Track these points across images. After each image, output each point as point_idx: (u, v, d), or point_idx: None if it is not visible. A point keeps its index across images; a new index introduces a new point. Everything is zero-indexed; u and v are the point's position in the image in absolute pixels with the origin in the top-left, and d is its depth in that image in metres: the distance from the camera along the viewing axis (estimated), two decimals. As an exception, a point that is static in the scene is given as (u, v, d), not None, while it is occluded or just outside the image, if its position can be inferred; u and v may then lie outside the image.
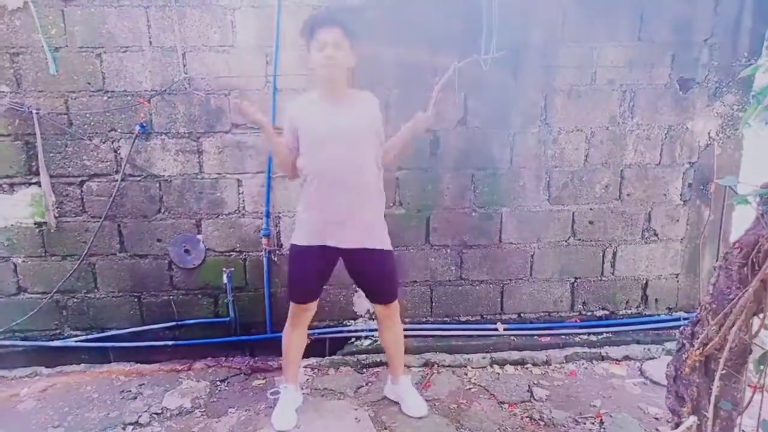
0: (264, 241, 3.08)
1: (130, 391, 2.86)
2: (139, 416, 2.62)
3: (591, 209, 3.24)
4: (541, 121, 3.11)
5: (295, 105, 2.40)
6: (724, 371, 1.53)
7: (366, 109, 2.36)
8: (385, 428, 2.50)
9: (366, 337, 3.24)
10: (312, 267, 2.42)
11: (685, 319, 3.20)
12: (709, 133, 3.19)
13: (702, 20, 3.06)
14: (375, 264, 2.42)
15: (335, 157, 2.27)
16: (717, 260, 2.94)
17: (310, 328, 3.16)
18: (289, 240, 3.08)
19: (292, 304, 2.50)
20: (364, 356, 3.13)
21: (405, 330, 3.18)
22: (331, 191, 2.29)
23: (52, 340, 3.15)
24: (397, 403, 2.69)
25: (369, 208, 2.38)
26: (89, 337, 3.16)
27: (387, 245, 2.45)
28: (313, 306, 2.52)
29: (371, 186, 2.36)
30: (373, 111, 2.37)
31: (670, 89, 3.13)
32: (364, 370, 3.06)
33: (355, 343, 3.24)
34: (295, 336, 2.57)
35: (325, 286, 3.12)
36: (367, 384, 2.91)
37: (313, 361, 3.11)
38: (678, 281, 3.38)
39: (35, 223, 3.03)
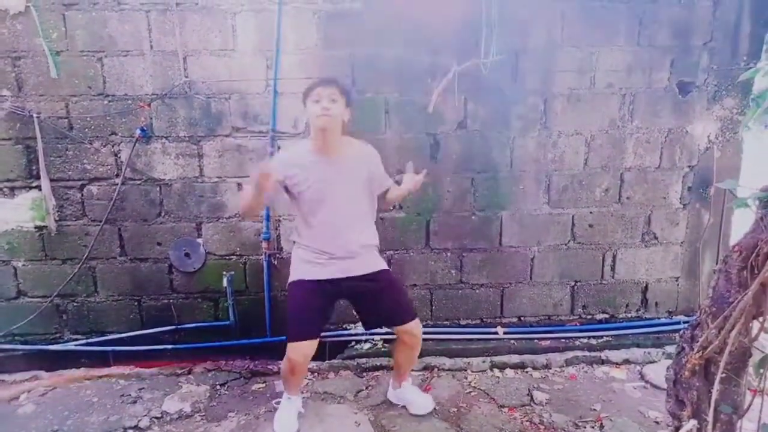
0: (264, 244, 3.08)
1: (129, 395, 2.85)
2: (139, 420, 2.62)
3: (591, 213, 3.25)
4: (540, 124, 3.12)
5: (285, 157, 2.41)
6: (724, 375, 1.52)
7: (361, 163, 2.41)
8: (385, 432, 2.50)
9: (366, 341, 3.24)
10: (314, 300, 2.39)
11: (685, 322, 3.20)
12: (708, 137, 3.19)
13: (701, 24, 3.07)
14: (384, 283, 2.45)
15: (330, 212, 2.33)
16: (717, 263, 2.94)
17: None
18: (289, 244, 3.11)
19: (289, 349, 2.36)
20: (364, 360, 3.13)
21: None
22: (326, 240, 2.35)
23: (52, 343, 3.15)
24: (397, 405, 2.69)
25: (366, 248, 2.43)
26: (89, 340, 3.16)
27: (382, 265, 2.50)
28: (312, 347, 2.39)
29: (366, 231, 2.45)
30: (367, 165, 2.42)
31: (670, 93, 3.13)
32: (364, 373, 3.06)
33: (355, 346, 3.23)
34: (298, 374, 2.51)
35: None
36: (367, 388, 2.91)
37: (313, 364, 3.10)
38: (678, 284, 3.38)
39: (36, 227, 3.03)
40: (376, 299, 2.45)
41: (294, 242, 2.49)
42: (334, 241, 2.34)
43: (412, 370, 3.03)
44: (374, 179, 2.45)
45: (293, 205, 2.41)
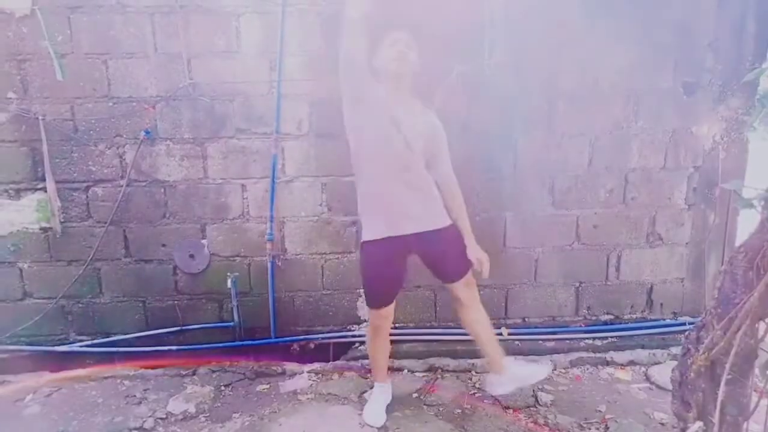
0: (268, 245, 3.09)
1: (134, 395, 2.86)
2: (144, 421, 2.63)
3: (595, 213, 3.24)
4: (544, 125, 3.11)
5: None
6: (729, 376, 1.51)
7: (426, 115, 2.41)
8: (390, 433, 2.50)
9: (370, 342, 3.24)
10: (385, 261, 2.40)
11: (690, 323, 3.19)
12: (713, 137, 3.18)
13: (706, 24, 3.05)
14: (445, 241, 2.43)
15: (391, 154, 2.30)
16: (722, 264, 2.93)
17: (313, 333, 3.19)
18: (293, 245, 3.11)
19: (371, 312, 2.52)
20: (368, 361, 3.12)
21: (408, 334, 3.20)
22: (387, 187, 2.33)
23: (58, 345, 3.16)
24: (400, 407, 2.69)
25: (424, 199, 2.40)
26: (94, 342, 3.17)
27: (447, 221, 2.46)
28: (391, 310, 2.51)
29: (424, 183, 2.41)
30: (430, 121, 2.41)
31: (674, 93, 3.12)
32: (369, 375, 3.05)
33: (359, 347, 3.23)
34: (378, 343, 2.61)
35: (330, 291, 3.17)
36: (371, 389, 2.90)
37: (317, 366, 3.11)
38: (683, 285, 3.37)
39: (41, 229, 3.05)
40: (434, 255, 2.47)
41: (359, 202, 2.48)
42: (394, 193, 2.32)
43: (416, 371, 3.04)
44: (430, 144, 2.40)
45: (355, 151, 2.40)
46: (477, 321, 2.58)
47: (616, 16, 3.01)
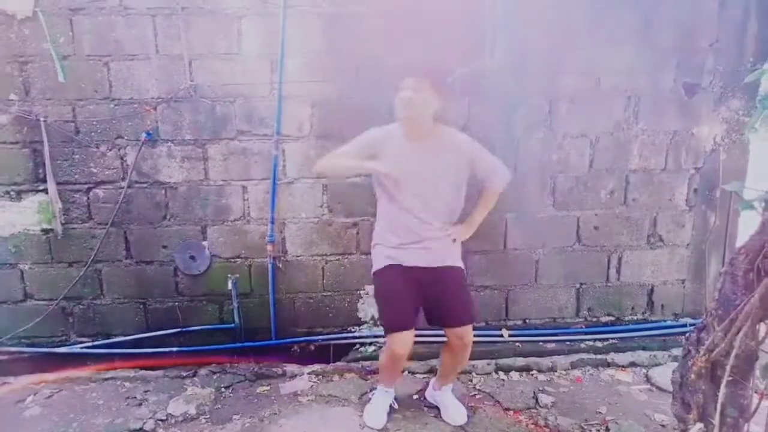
0: (269, 247, 3.09)
1: (135, 397, 2.86)
2: (144, 423, 2.63)
3: (596, 215, 3.24)
4: (545, 126, 3.11)
5: (382, 133, 2.42)
6: (730, 378, 1.51)
7: (450, 152, 2.38)
8: (390, 435, 2.50)
9: (371, 344, 3.24)
10: (399, 285, 2.40)
11: (691, 325, 3.19)
12: (714, 138, 3.18)
13: (707, 25, 3.06)
14: (451, 281, 2.44)
15: (411, 199, 2.34)
16: (723, 266, 2.93)
17: (313, 334, 3.19)
18: (294, 247, 3.12)
19: (391, 340, 2.40)
20: (368, 363, 3.13)
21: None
22: (407, 229, 2.37)
23: (59, 346, 3.16)
24: (400, 408, 2.69)
25: (441, 240, 2.42)
26: (95, 343, 3.17)
27: (458, 263, 2.48)
28: (410, 337, 2.38)
29: (443, 224, 2.42)
30: (458, 155, 2.39)
31: (675, 94, 3.12)
32: (369, 376, 3.05)
33: (360, 349, 3.23)
34: (392, 370, 2.59)
35: (330, 292, 3.17)
36: (371, 390, 2.90)
37: (317, 367, 3.11)
38: (684, 287, 3.37)
39: (42, 230, 3.05)
40: (437, 295, 2.44)
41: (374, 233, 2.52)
42: (410, 228, 2.36)
43: (417, 373, 3.04)
44: (468, 168, 2.41)
45: (377, 187, 2.45)
46: (454, 360, 2.56)
47: (617, 18, 3.01)
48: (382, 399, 2.64)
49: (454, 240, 2.45)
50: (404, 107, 2.27)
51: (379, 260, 2.45)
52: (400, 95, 2.26)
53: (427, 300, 2.47)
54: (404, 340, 2.36)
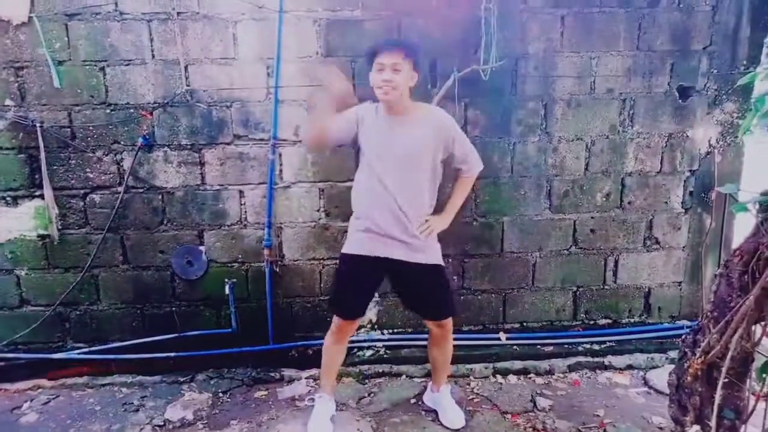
0: (266, 252, 3.09)
1: (132, 403, 2.85)
2: (142, 429, 2.62)
3: (592, 218, 3.24)
4: (541, 130, 3.12)
5: (364, 108, 2.38)
6: (726, 380, 1.52)
7: (428, 128, 2.32)
8: (388, 439, 2.49)
9: (368, 348, 3.23)
10: (360, 277, 2.42)
11: (688, 327, 3.18)
12: (709, 141, 3.19)
13: (700, 29, 3.07)
14: (423, 279, 2.41)
15: (387, 177, 2.29)
16: (719, 268, 2.93)
17: (311, 339, 3.18)
18: (291, 251, 3.11)
19: (335, 318, 2.49)
20: (366, 367, 3.13)
21: (407, 340, 3.20)
22: (382, 209, 2.31)
23: (55, 352, 3.15)
24: (398, 413, 2.69)
25: (416, 226, 2.36)
26: (92, 349, 3.16)
27: (437, 260, 2.44)
28: (357, 322, 2.54)
29: (423, 206, 2.38)
30: (436, 131, 2.33)
31: (670, 97, 3.14)
32: (366, 380, 3.05)
33: (358, 353, 3.23)
34: (335, 349, 2.58)
35: (327, 297, 3.16)
36: (369, 395, 2.90)
37: (315, 371, 3.10)
38: (681, 289, 3.38)
39: (38, 236, 3.05)
40: (416, 289, 2.44)
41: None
42: (383, 207, 2.30)
43: (414, 377, 3.04)
44: (446, 146, 2.36)
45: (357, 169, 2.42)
46: (441, 351, 2.62)
47: (612, 21, 3.03)
48: (322, 409, 2.57)
49: (430, 232, 2.38)
50: (386, 91, 2.20)
51: (353, 243, 2.40)
52: (382, 78, 2.19)
53: (404, 291, 2.52)
54: (348, 324, 2.51)
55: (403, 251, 2.35)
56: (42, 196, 2.98)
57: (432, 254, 2.43)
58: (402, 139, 2.29)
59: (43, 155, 2.92)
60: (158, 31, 2.89)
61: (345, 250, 2.44)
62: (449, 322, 2.51)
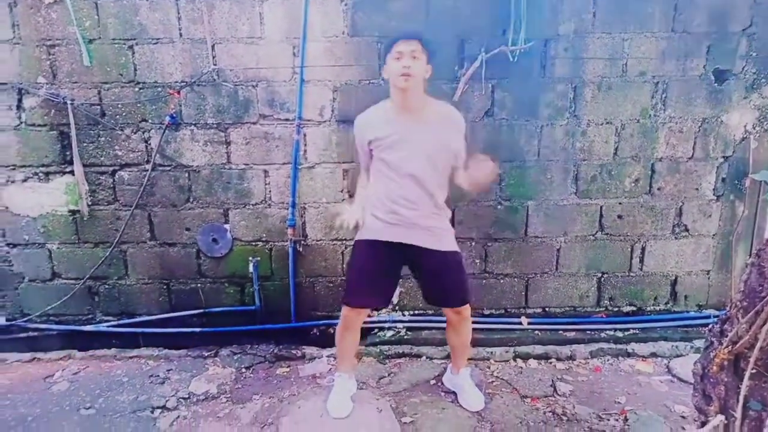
0: (289, 231, 3.11)
1: (158, 375, 2.93)
2: (167, 400, 2.69)
3: (620, 203, 3.18)
4: (569, 113, 3.06)
5: (364, 119, 2.40)
6: (754, 370, 1.49)
7: (444, 126, 2.33)
8: (407, 419, 2.51)
9: (389, 328, 3.26)
10: (375, 265, 2.41)
11: (715, 316, 3.13)
12: (745, 126, 3.09)
13: (740, 10, 2.96)
14: (441, 266, 2.40)
15: (404, 171, 2.29)
16: (750, 257, 2.86)
17: (333, 318, 3.21)
18: (314, 231, 3.14)
19: (344, 308, 2.46)
20: (386, 347, 3.15)
21: (426, 322, 3.21)
22: (397, 202, 2.31)
23: (85, 324, 3.25)
24: (418, 392, 2.71)
25: (433, 219, 2.37)
26: (120, 322, 3.25)
27: (453, 247, 2.43)
28: (366, 312, 2.53)
29: (437, 201, 2.36)
30: (450, 130, 2.34)
31: (705, 81, 3.04)
32: (387, 360, 3.08)
33: (378, 333, 3.25)
34: (348, 338, 2.57)
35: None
36: (389, 375, 2.93)
37: (335, 350, 3.13)
38: (709, 278, 3.31)
39: (69, 211, 3.12)
40: (433, 276, 2.44)
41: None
42: (404, 200, 2.29)
43: (435, 359, 3.06)
44: (451, 148, 2.35)
45: (373, 165, 2.40)
46: (459, 334, 2.60)
47: (646, 1, 2.93)
48: (342, 387, 2.58)
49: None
50: (406, 79, 2.19)
51: (373, 230, 2.38)
52: (401, 65, 2.18)
53: (425, 279, 2.49)
54: (358, 314, 2.49)
55: (426, 238, 2.34)
56: (72, 173, 3.04)
57: (451, 240, 2.43)
58: (418, 134, 2.28)
59: (73, 132, 2.98)
60: (186, 10, 2.91)
61: (363, 236, 2.42)
62: (467, 308, 2.51)
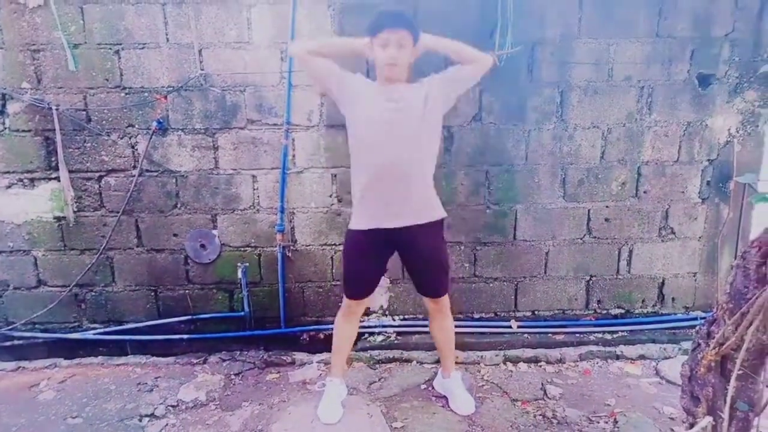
0: (278, 236, 3.10)
1: (146, 383, 2.90)
2: (155, 408, 2.66)
3: (607, 207, 3.21)
4: (556, 117, 3.08)
5: (359, 79, 2.38)
6: (740, 371, 1.50)
7: (420, 91, 2.30)
8: (398, 424, 2.50)
9: (379, 333, 3.25)
10: (369, 254, 2.41)
11: (702, 318, 3.16)
12: (729, 130, 3.14)
13: (723, 15, 3.00)
14: (428, 246, 2.39)
15: (387, 149, 2.25)
16: (735, 259, 2.89)
17: (322, 323, 3.20)
18: (303, 236, 3.12)
19: (345, 299, 2.51)
20: (377, 352, 3.14)
21: (416, 327, 3.21)
22: (383, 181, 2.27)
23: (71, 332, 3.21)
24: (408, 398, 2.70)
25: (422, 190, 2.34)
26: (107, 329, 3.21)
27: (442, 213, 2.41)
28: (368, 301, 2.56)
29: (425, 172, 2.34)
30: (426, 88, 2.31)
31: (689, 85, 3.08)
32: (377, 365, 3.07)
33: (368, 338, 3.24)
34: (347, 328, 2.59)
35: (339, 282, 3.17)
36: (379, 380, 2.92)
37: (326, 356, 3.12)
38: (696, 280, 3.34)
39: (55, 218, 3.09)
40: (413, 261, 2.44)
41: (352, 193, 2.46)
42: (386, 178, 2.26)
43: (425, 363, 3.05)
44: (439, 92, 2.33)
45: (351, 137, 2.37)
46: (440, 328, 2.63)
47: (631, 6, 2.97)
48: (333, 392, 2.58)
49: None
50: (390, 67, 2.21)
51: (361, 218, 2.36)
52: (387, 54, 2.19)
53: (410, 257, 2.46)
54: (359, 304, 2.53)
55: (411, 216, 2.31)
56: (58, 179, 3.01)
57: (437, 208, 2.40)
58: (401, 106, 2.26)
59: (59, 138, 2.95)
60: (173, 15, 2.89)
61: (352, 226, 2.40)
62: (445, 299, 2.53)
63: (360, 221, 2.36)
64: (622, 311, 3.36)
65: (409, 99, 2.28)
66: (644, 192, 3.20)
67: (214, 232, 3.14)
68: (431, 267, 2.45)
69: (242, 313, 3.19)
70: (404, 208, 2.30)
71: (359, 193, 2.35)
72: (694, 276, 3.33)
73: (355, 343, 3.19)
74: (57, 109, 2.93)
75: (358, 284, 2.48)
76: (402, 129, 2.25)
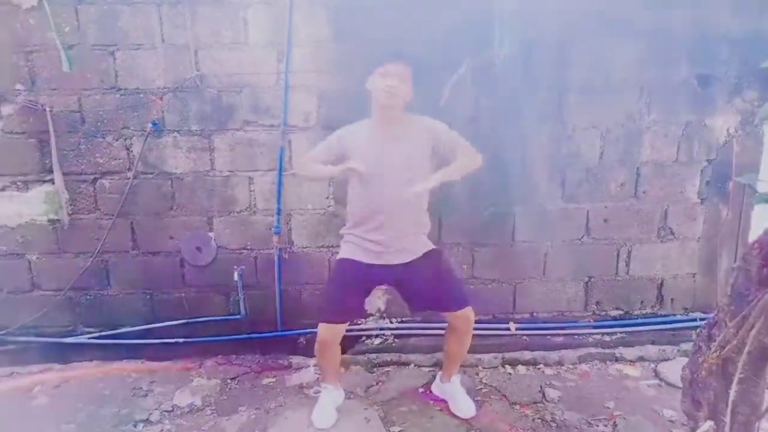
0: (275, 238, 3.08)
1: (141, 388, 2.87)
2: (150, 414, 2.64)
3: (606, 207, 3.19)
4: (555, 118, 3.06)
5: (349, 131, 2.41)
6: (742, 375, 1.48)
7: (422, 139, 2.34)
8: (396, 428, 2.48)
9: (376, 336, 3.22)
10: (355, 281, 2.41)
11: (701, 319, 3.15)
12: (728, 130, 3.12)
13: (722, 15, 2.99)
14: (434, 267, 2.42)
15: (383, 193, 2.30)
16: (735, 260, 2.87)
17: (317, 326, 3.17)
18: (300, 238, 3.10)
19: (321, 327, 2.42)
20: (374, 355, 3.12)
21: (414, 328, 3.19)
22: (378, 222, 2.33)
23: (66, 336, 3.17)
24: (407, 401, 2.68)
25: (415, 233, 2.42)
26: (102, 334, 3.18)
27: (430, 245, 2.46)
28: (342, 329, 2.46)
29: (420, 215, 2.44)
30: (429, 139, 2.34)
31: (688, 85, 3.06)
32: (375, 369, 3.05)
33: (366, 342, 3.22)
34: (328, 356, 2.53)
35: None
36: (377, 383, 2.90)
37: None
38: (695, 281, 3.32)
39: (49, 221, 3.06)
40: (422, 284, 2.42)
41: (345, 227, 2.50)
42: (383, 224, 2.32)
43: (422, 366, 3.03)
44: (440, 148, 2.35)
45: (350, 183, 2.41)
46: (460, 342, 2.55)
47: (629, 7, 2.95)
48: (327, 398, 2.56)
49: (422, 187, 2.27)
50: (389, 96, 2.23)
51: (349, 249, 2.42)
52: (386, 83, 2.22)
53: (409, 291, 2.48)
54: (334, 331, 2.42)
55: (404, 254, 2.38)
56: (52, 181, 2.98)
57: (426, 242, 2.46)
58: (396, 150, 2.30)
59: (53, 140, 2.92)
60: (168, 15, 2.87)
61: (343, 255, 2.45)
62: (472, 313, 2.45)
63: (356, 252, 2.40)
64: (621, 312, 3.34)
65: (409, 139, 2.33)
66: (643, 192, 3.18)
67: (210, 234, 3.11)
68: (442, 282, 2.44)
69: (238, 317, 3.17)
70: (395, 250, 2.36)
71: (350, 228, 2.43)
72: (693, 277, 3.32)
73: (353, 346, 3.19)
74: (51, 111, 2.90)
75: (340, 312, 2.44)
76: (400, 169, 2.30)
